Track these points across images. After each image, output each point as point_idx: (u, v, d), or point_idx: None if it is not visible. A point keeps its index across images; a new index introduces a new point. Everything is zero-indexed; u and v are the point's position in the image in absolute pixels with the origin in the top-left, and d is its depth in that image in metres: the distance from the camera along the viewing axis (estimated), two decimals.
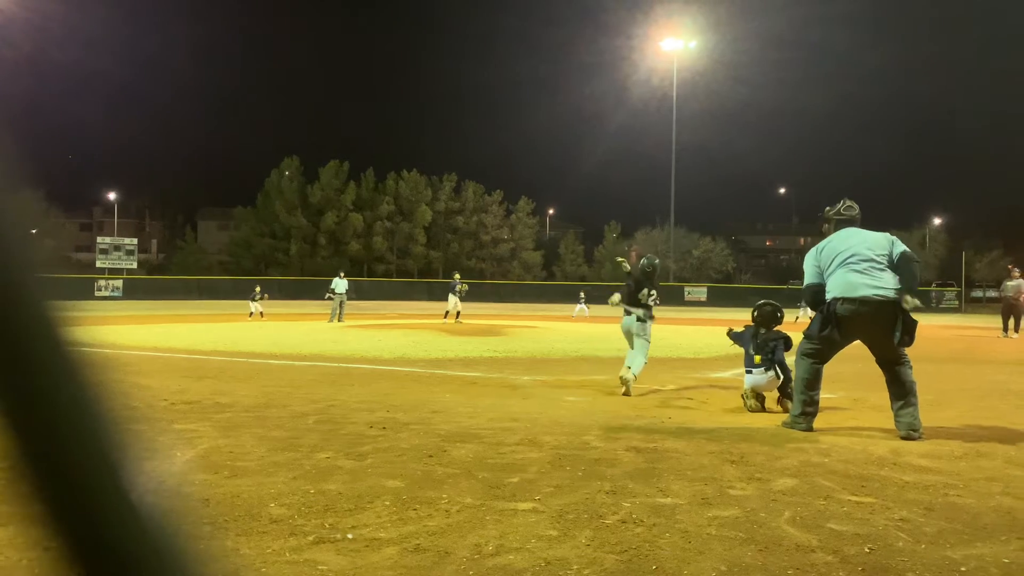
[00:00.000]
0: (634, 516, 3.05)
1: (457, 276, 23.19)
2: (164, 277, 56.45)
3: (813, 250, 5.37)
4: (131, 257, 53.98)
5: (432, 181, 67.69)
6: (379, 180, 66.82)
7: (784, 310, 6.66)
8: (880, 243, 5.13)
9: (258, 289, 26.35)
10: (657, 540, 2.77)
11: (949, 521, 3.03)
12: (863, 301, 4.94)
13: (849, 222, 5.36)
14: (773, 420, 5.46)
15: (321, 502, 3.22)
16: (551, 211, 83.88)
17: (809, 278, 5.34)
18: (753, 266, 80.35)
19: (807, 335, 5.27)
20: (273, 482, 3.54)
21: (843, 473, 3.83)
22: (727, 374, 8.66)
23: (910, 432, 4.78)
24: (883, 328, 4.95)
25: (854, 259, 5.05)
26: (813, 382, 5.16)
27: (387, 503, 3.21)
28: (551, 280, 65.48)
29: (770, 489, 3.50)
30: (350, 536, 2.79)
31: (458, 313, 21.73)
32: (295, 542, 2.73)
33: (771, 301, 6.64)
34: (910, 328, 4.93)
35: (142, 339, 13.58)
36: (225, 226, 72.19)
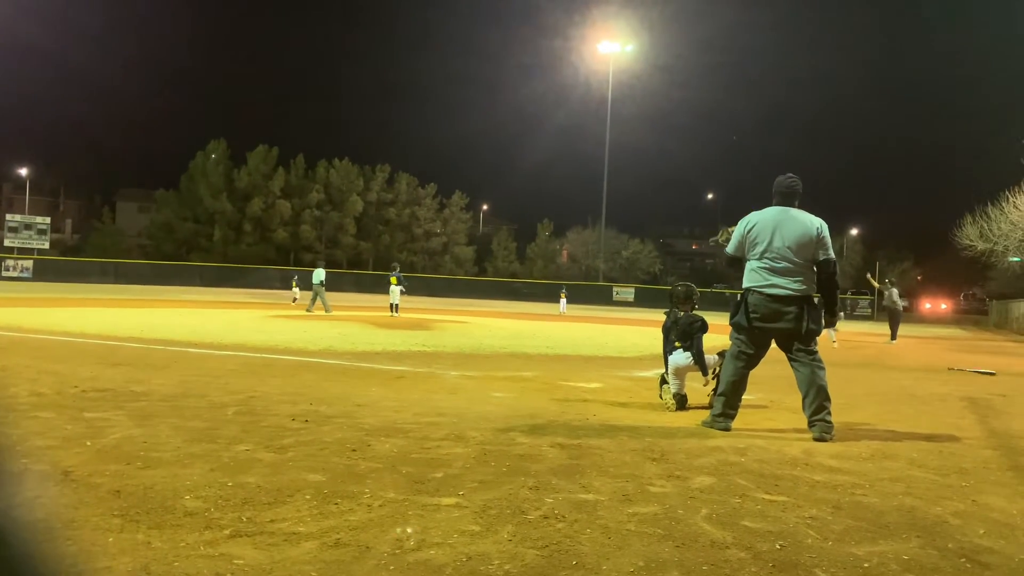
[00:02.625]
0: (556, 512, 3.09)
1: (397, 268, 22.93)
2: (78, 259, 53.97)
3: (747, 220, 5.34)
4: (43, 237, 51.54)
5: (364, 171, 66.77)
6: (309, 167, 65.55)
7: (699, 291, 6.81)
8: (806, 243, 5.12)
9: (297, 278, 27.96)
10: (578, 536, 2.81)
11: (855, 519, 3.17)
12: (773, 297, 5.14)
13: (785, 197, 5.32)
14: (694, 419, 5.60)
15: (239, 495, 3.14)
16: (485, 207, 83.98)
17: (732, 247, 5.43)
18: (679, 269, 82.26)
19: (731, 326, 5.41)
20: (189, 474, 3.44)
21: (758, 472, 3.96)
22: (651, 373, 8.82)
23: (823, 435, 4.98)
24: (790, 319, 5.13)
25: (772, 255, 5.15)
26: (738, 385, 5.31)
27: (308, 497, 3.16)
28: (483, 276, 65.49)
29: (688, 487, 3.59)
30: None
31: (396, 306, 21.48)
32: (210, 535, 2.65)
33: (686, 282, 6.81)
34: (816, 317, 5.18)
35: (52, 323, 12.98)
36: (146, 208, 69.60)
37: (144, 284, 44.49)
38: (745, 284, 5.30)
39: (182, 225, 61.87)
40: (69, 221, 74.46)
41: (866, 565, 2.63)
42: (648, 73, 59.09)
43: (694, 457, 4.27)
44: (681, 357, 6.26)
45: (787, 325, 5.14)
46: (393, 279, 21.71)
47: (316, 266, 22.84)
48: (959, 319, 55.98)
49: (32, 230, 51.01)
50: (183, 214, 61.99)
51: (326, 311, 21.15)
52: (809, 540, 2.87)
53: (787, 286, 5.12)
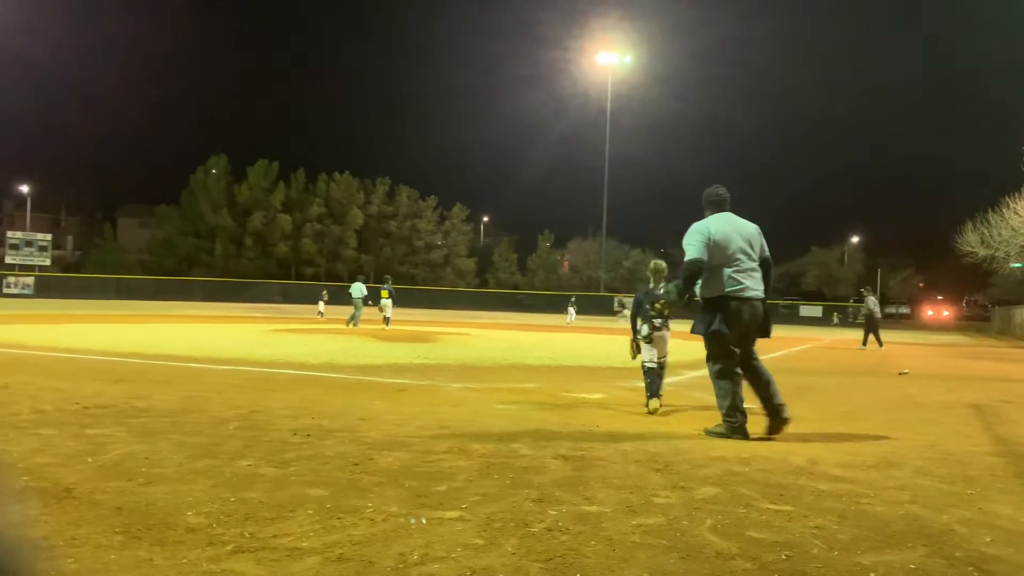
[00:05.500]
0: (560, 524, 3.07)
1: (390, 280, 22.97)
2: (80, 275, 54.12)
3: (703, 227, 5.36)
4: (44, 253, 51.74)
5: (365, 184, 66.93)
6: (309, 181, 65.75)
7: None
8: (754, 242, 5.42)
9: (324, 293, 28.63)
10: (582, 548, 2.79)
11: (861, 528, 3.15)
12: (749, 301, 5.29)
13: (719, 206, 5.53)
14: (698, 428, 5.57)
15: (241, 511, 3.13)
16: (485, 219, 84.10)
17: (697, 253, 5.31)
18: (679, 277, 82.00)
19: (705, 342, 5.43)
20: (191, 490, 3.42)
21: (763, 482, 3.94)
22: None
23: (788, 413, 5.23)
24: (757, 324, 5.37)
25: (740, 260, 5.30)
26: (739, 393, 5.32)
27: (310, 512, 3.14)
28: (484, 287, 65.48)
29: (693, 497, 3.57)
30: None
31: (387, 319, 21.46)
32: (213, 552, 2.64)
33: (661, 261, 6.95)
34: (770, 316, 5.51)
35: (54, 339, 12.99)
36: (147, 224, 69.74)
37: (145, 300, 44.55)
38: (720, 291, 5.31)
39: (183, 240, 62.00)
40: (70, 238, 74.64)
41: (872, 575, 2.61)
42: (646, 84, 59.60)
43: (698, 467, 4.24)
44: (660, 334, 6.53)
45: (755, 326, 5.35)
46: (384, 292, 21.66)
47: (355, 280, 22.91)
48: (962, 326, 55.85)
49: (33, 247, 51.20)
50: (184, 229, 62.14)
51: (348, 323, 21.32)
52: (815, 550, 2.85)
53: (755, 287, 5.34)
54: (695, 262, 5.31)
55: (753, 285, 5.32)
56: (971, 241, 31.94)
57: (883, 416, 6.82)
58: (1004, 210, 29.77)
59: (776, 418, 5.28)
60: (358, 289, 21.99)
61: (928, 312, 71.63)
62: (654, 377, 6.49)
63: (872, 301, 20.98)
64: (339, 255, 64.82)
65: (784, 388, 6.31)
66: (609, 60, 50.10)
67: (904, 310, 74.14)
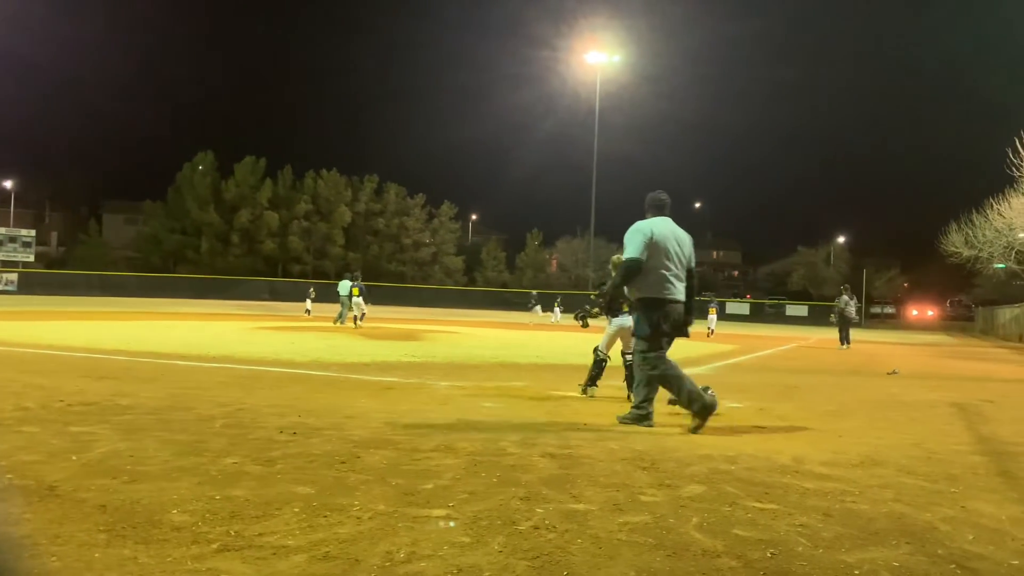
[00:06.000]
0: (547, 522, 3.07)
1: (359, 277, 22.56)
2: (64, 271, 53.62)
3: (646, 227, 5.59)
4: (28, 249, 51.26)
5: (352, 182, 66.68)
6: (297, 178, 65.43)
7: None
8: (685, 249, 5.71)
9: (312, 291, 29.32)
10: (568, 546, 2.79)
11: (845, 526, 3.17)
12: (679, 303, 5.59)
13: (660, 210, 5.81)
14: (684, 428, 5.59)
15: (227, 509, 3.11)
16: (474, 217, 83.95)
17: (637, 252, 5.51)
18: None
19: (642, 340, 5.59)
20: (176, 488, 3.41)
21: (748, 480, 3.96)
22: None
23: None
24: (680, 325, 5.66)
25: (673, 265, 5.56)
26: (681, 377, 5.47)
27: (296, 510, 3.13)
28: (472, 286, 65.42)
29: (679, 495, 3.58)
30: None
31: (362, 315, 21.20)
32: (198, 550, 2.62)
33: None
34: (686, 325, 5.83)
35: (38, 336, 12.88)
36: (133, 220, 69.19)
37: (131, 296, 44.23)
38: (653, 293, 5.52)
39: (169, 237, 61.58)
40: (55, 233, 73.91)
41: (856, 572, 2.63)
42: (635, 83, 59.69)
43: (684, 465, 4.26)
44: (628, 319, 6.85)
45: (675, 329, 5.64)
46: (355, 290, 21.34)
47: (342, 278, 22.64)
48: (946, 326, 56.31)
49: (17, 243, 50.73)
50: (170, 226, 61.72)
51: (335, 320, 21.18)
52: (800, 548, 2.87)
53: (682, 291, 5.62)
54: (635, 261, 5.54)
55: (681, 289, 5.62)
56: (955, 242, 32.22)
57: (868, 415, 6.87)
58: (988, 211, 30.07)
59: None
60: (345, 287, 21.81)
61: (913, 312, 72.21)
62: (601, 369, 7.20)
63: (844, 300, 20.99)
64: (326, 252, 64.55)
65: (770, 387, 6.35)
66: (598, 59, 50.10)
67: (889, 310, 74.76)
